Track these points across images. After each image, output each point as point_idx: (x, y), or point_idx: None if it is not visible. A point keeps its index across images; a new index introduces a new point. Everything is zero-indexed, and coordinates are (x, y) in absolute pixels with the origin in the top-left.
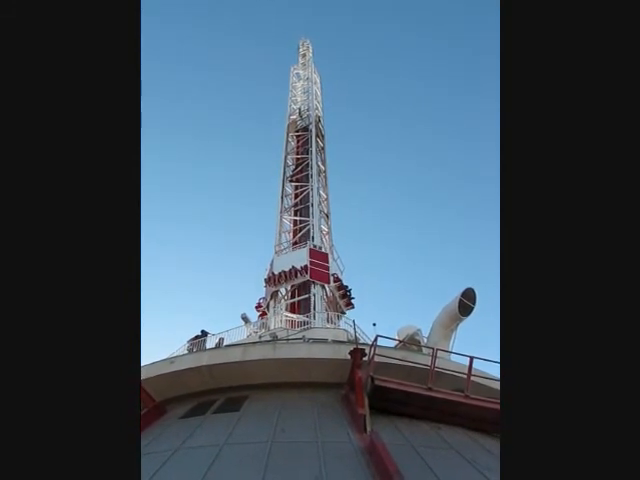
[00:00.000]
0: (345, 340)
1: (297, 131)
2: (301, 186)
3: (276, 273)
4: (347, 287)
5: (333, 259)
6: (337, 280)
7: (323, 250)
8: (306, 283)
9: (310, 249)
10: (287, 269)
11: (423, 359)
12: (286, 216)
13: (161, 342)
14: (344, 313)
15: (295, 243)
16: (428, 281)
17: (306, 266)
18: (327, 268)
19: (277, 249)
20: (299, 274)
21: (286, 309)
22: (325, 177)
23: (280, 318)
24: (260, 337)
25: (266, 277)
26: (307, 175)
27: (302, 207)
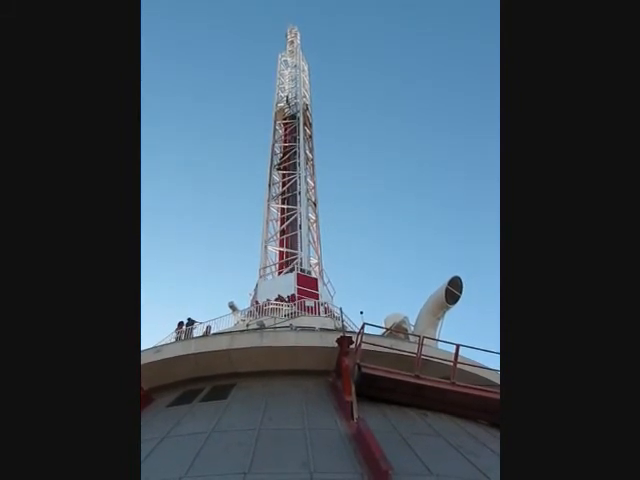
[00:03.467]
0: (332, 328)
1: (285, 119)
2: (289, 174)
3: (260, 302)
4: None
5: (323, 284)
6: (328, 311)
7: (312, 274)
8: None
9: (298, 274)
10: (273, 298)
11: (410, 347)
12: (274, 204)
13: (148, 330)
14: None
15: (283, 232)
16: (415, 269)
17: (293, 295)
18: (317, 296)
19: (262, 273)
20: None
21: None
22: (313, 165)
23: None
24: (247, 325)
25: (250, 306)
26: (295, 163)
27: (290, 195)
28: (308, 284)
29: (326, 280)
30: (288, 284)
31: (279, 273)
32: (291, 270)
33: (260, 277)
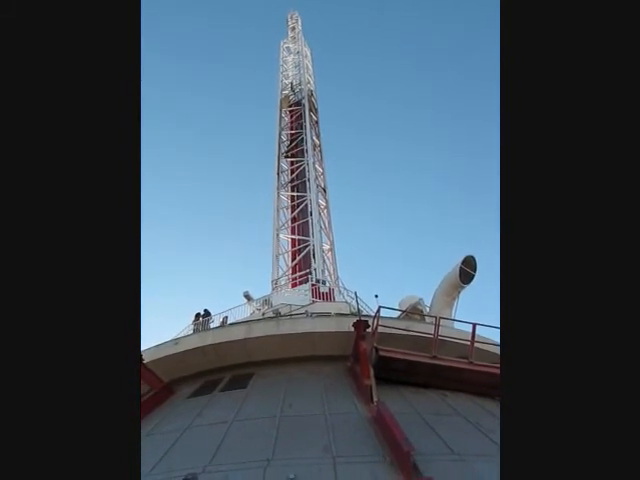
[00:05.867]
0: (348, 313)
1: (290, 106)
2: (297, 161)
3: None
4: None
5: (339, 292)
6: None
7: (327, 284)
8: (306, 258)
9: (312, 285)
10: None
11: (426, 328)
12: (283, 192)
13: (166, 323)
14: None
15: (294, 219)
16: (428, 250)
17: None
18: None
19: (274, 285)
20: None
21: (288, 283)
22: (320, 151)
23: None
24: (263, 314)
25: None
26: (302, 150)
27: (299, 182)
28: (323, 297)
29: (342, 288)
30: (302, 297)
31: (292, 258)
32: (305, 282)
33: (273, 289)
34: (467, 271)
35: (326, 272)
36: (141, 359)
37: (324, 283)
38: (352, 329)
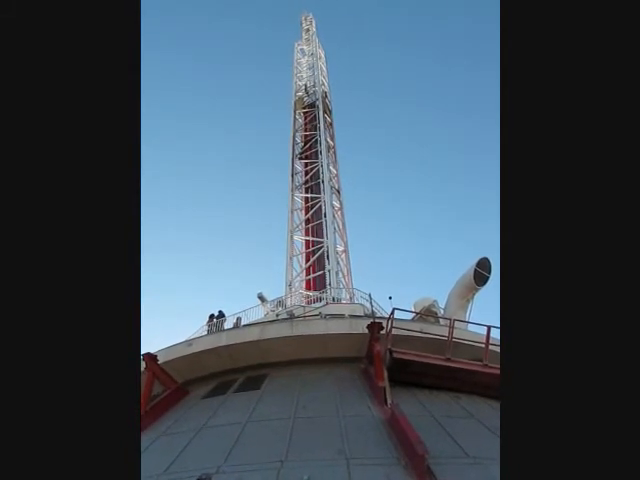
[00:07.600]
0: (362, 314)
1: (304, 108)
2: (311, 163)
3: None
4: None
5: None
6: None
7: (342, 300)
8: (320, 259)
9: (328, 303)
10: None
11: (440, 330)
12: (297, 194)
13: (180, 325)
14: None
15: (308, 221)
16: (442, 252)
17: None
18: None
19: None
20: None
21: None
22: (334, 153)
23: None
24: (277, 315)
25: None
26: (316, 151)
27: (313, 184)
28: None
29: (356, 300)
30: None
31: (306, 260)
32: (319, 300)
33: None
34: (482, 273)
35: (340, 274)
36: (151, 357)
37: (339, 301)
38: (366, 331)
